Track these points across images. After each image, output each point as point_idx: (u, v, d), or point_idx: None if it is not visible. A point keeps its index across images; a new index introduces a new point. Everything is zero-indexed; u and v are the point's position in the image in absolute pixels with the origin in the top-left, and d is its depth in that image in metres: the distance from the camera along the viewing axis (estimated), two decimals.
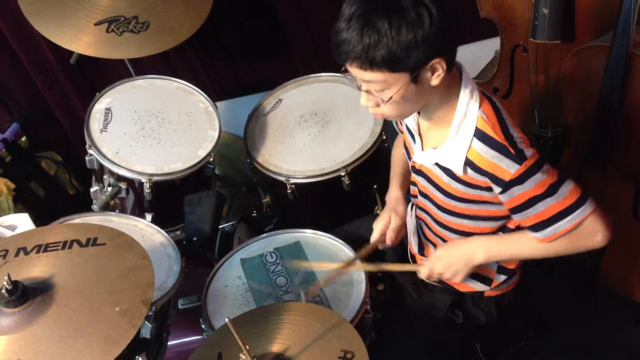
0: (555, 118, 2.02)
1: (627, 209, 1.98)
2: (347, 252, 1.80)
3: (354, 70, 1.32)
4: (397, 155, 1.78)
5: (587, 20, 1.87)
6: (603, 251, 2.13)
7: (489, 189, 1.42)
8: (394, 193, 1.74)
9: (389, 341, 1.71)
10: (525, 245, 1.48)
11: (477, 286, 1.65)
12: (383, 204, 2.09)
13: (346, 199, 2.04)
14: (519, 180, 1.36)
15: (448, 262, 1.55)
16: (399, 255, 1.85)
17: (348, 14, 1.26)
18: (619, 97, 1.79)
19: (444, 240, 1.62)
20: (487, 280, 1.65)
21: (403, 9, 1.23)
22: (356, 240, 1.82)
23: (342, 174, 1.99)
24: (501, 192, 1.39)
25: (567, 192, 1.38)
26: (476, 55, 2.35)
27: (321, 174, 2.01)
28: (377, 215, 2.06)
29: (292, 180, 2.01)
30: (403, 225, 1.72)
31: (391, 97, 1.33)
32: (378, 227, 1.70)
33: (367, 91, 1.35)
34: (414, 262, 1.77)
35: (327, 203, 2.13)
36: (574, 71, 1.87)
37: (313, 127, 2.14)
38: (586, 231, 1.40)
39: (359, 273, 1.73)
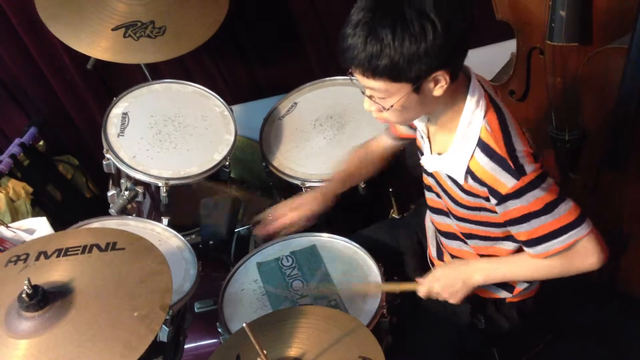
0: (572, 120, 2.00)
1: None
2: (362, 255, 1.79)
3: (357, 75, 1.33)
4: (362, 150, 1.84)
5: (604, 22, 1.85)
6: (622, 254, 2.11)
7: (488, 199, 1.41)
8: (321, 194, 1.81)
9: (407, 346, 1.70)
10: (522, 267, 1.50)
11: (499, 293, 1.65)
12: (399, 207, 2.09)
13: (362, 202, 2.03)
14: (515, 195, 1.35)
15: (446, 282, 1.55)
16: (418, 259, 1.84)
17: (355, 20, 1.27)
18: (638, 99, 1.78)
19: (452, 239, 1.61)
20: (509, 287, 1.64)
21: (407, 21, 1.23)
22: (372, 245, 1.81)
23: None
24: (497, 204, 1.39)
25: (565, 210, 1.36)
26: (492, 57, 2.34)
27: None
28: (392, 219, 2.06)
29: (308, 184, 2.01)
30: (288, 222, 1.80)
31: (392, 106, 1.34)
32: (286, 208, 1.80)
33: (370, 97, 1.37)
34: (433, 266, 1.76)
35: (342, 207, 2.12)
36: (591, 73, 1.85)
37: (328, 130, 2.14)
38: (580, 252, 1.39)
39: (374, 276, 1.73)
